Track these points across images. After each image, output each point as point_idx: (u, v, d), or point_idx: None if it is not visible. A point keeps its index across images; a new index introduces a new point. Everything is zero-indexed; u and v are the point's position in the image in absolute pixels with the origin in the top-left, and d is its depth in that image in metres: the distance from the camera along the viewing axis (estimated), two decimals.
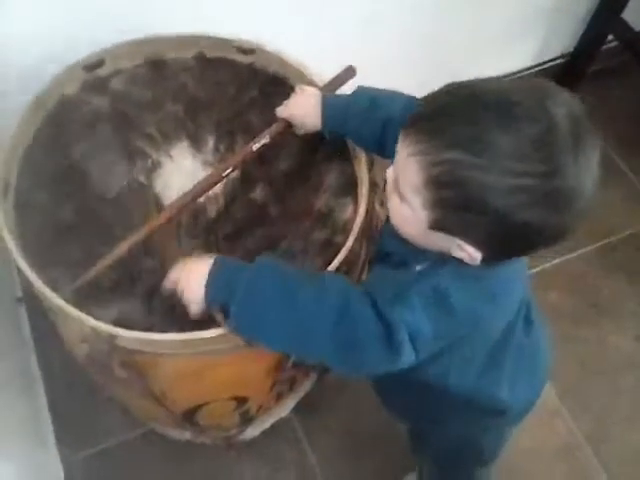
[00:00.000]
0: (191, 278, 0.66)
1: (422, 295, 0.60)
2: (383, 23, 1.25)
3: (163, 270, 0.71)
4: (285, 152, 0.86)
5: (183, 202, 0.77)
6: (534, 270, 1.36)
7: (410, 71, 1.35)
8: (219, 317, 0.66)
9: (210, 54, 0.93)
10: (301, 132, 0.84)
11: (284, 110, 0.83)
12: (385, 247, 0.70)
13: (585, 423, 1.22)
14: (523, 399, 0.81)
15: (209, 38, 0.92)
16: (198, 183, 0.79)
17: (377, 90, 0.79)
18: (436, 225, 0.57)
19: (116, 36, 0.89)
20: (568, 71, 1.63)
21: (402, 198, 0.59)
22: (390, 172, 0.62)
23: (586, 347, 1.30)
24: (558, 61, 1.62)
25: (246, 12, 1.05)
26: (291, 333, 0.64)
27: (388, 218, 0.66)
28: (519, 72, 1.59)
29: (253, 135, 0.84)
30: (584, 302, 1.36)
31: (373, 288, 0.63)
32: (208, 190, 0.80)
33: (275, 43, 0.92)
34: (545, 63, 1.61)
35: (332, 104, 0.80)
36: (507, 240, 0.56)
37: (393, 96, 0.77)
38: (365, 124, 0.77)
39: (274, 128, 0.83)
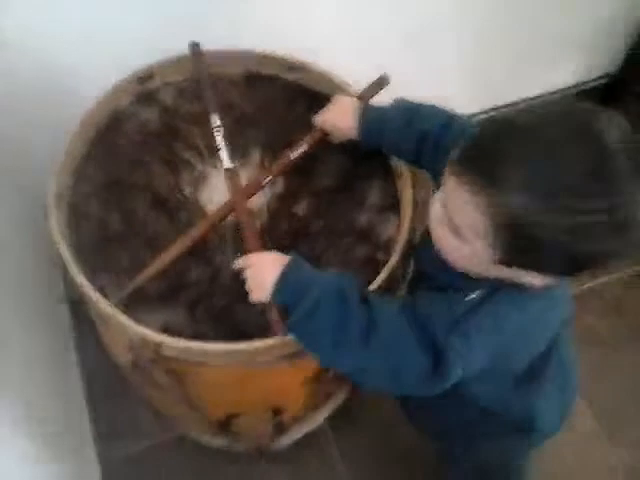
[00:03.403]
0: (264, 271, 0.67)
1: (479, 325, 0.61)
2: (426, 38, 1.26)
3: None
4: (328, 167, 0.87)
5: (225, 211, 0.80)
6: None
7: (453, 86, 1.36)
8: (274, 314, 0.67)
9: (258, 70, 0.95)
10: (336, 141, 0.86)
11: (320, 119, 0.85)
12: (427, 270, 0.70)
13: (624, 451, 1.20)
14: (554, 416, 0.81)
15: (257, 54, 0.93)
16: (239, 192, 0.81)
17: (415, 103, 0.80)
18: (501, 263, 0.57)
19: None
20: (613, 89, 1.61)
21: (458, 235, 0.58)
22: (437, 205, 0.61)
23: (625, 372, 1.27)
24: (602, 80, 1.60)
25: (290, 28, 1.07)
26: (335, 360, 0.66)
27: (427, 241, 0.66)
28: (565, 89, 1.58)
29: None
30: (623, 326, 1.33)
31: (425, 314, 0.63)
32: (248, 199, 0.81)
33: (318, 56, 0.93)
34: (591, 82, 1.59)
35: (369, 115, 0.81)
36: (572, 267, 0.56)
37: (431, 110, 0.78)
38: (401, 137, 0.78)
39: (311, 137, 0.85)
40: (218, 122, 0.86)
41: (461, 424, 0.84)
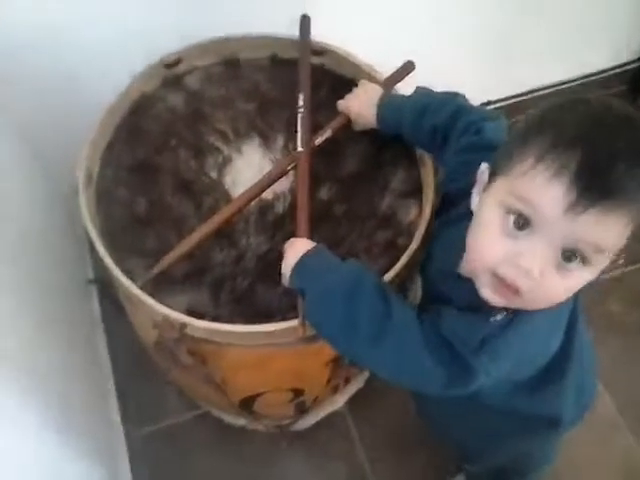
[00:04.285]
0: (289, 254, 0.69)
1: (507, 345, 0.59)
2: (452, 22, 1.25)
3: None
4: (352, 153, 0.88)
5: (250, 194, 0.80)
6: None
7: (481, 70, 1.34)
8: (299, 300, 0.68)
9: (283, 55, 0.95)
10: (359, 128, 0.86)
11: (344, 104, 0.85)
12: (442, 292, 0.67)
13: None
14: (575, 407, 0.79)
15: (282, 39, 0.94)
16: (264, 176, 0.82)
17: (432, 94, 0.79)
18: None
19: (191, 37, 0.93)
20: None
21: (585, 263, 0.51)
22: (538, 260, 0.51)
23: None
24: (634, 64, 1.57)
25: (316, 13, 1.06)
26: (346, 353, 0.68)
27: (445, 268, 0.63)
28: (592, 76, 1.55)
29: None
30: None
31: (449, 330, 0.61)
32: (274, 182, 0.82)
33: (343, 43, 0.93)
34: (621, 66, 1.56)
35: (388, 105, 0.81)
36: None
37: (444, 101, 0.76)
38: (416, 128, 0.78)
39: (335, 122, 0.85)
40: (302, 103, 0.85)
41: (482, 428, 0.83)
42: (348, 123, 0.86)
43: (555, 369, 0.70)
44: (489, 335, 0.58)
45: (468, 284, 0.59)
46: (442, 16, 1.23)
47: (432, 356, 0.61)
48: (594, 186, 0.47)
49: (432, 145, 0.78)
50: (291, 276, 0.68)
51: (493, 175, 0.56)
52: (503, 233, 0.53)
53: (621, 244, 0.50)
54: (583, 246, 0.50)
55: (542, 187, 0.49)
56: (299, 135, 0.83)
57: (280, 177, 0.83)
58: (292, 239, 0.73)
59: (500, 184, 0.54)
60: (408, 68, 0.90)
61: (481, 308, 0.58)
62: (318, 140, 0.84)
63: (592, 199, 0.47)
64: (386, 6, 1.16)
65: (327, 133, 0.84)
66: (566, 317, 0.66)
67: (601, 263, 0.52)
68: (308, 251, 0.67)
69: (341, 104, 0.86)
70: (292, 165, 0.83)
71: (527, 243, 0.51)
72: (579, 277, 0.53)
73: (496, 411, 0.74)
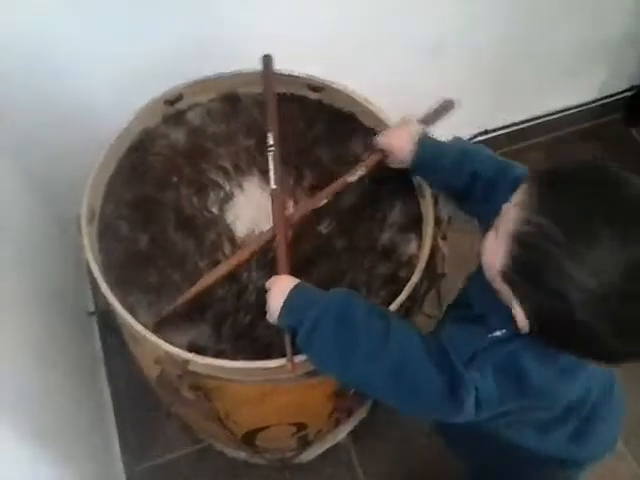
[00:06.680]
0: (274, 293, 0.70)
1: (496, 363, 0.61)
2: (448, 55, 1.27)
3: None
4: (352, 187, 0.88)
5: (262, 240, 0.80)
6: None
7: (473, 101, 1.36)
8: (287, 337, 0.69)
9: (281, 90, 0.97)
10: (393, 165, 0.83)
11: (383, 140, 0.82)
12: (469, 296, 0.70)
13: None
14: (600, 446, 0.80)
15: (281, 75, 0.95)
16: (290, 215, 0.82)
17: (472, 145, 0.80)
18: (503, 276, 0.59)
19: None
20: (636, 103, 1.61)
21: (498, 235, 0.59)
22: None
23: None
24: (626, 93, 1.60)
25: (311, 49, 1.08)
26: (348, 376, 0.67)
27: (478, 270, 0.65)
28: (586, 104, 1.57)
29: (319, 169, 0.89)
30: None
31: (450, 344, 0.64)
32: (300, 222, 0.82)
33: (340, 77, 0.95)
34: (613, 95, 1.59)
35: (428, 143, 0.79)
36: (552, 328, 0.56)
37: (486, 153, 0.77)
38: (454, 175, 0.76)
39: (371, 159, 0.83)
40: (272, 142, 0.85)
41: (506, 463, 0.84)
42: (383, 160, 0.83)
43: (572, 413, 0.72)
44: (480, 350, 0.62)
45: (493, 295, 0.62)
46: (438, 48, 1.25)
47: (432, 362, 0.62)
48: (538, 186, 0.56)
49: (468, 192, 0.77)
50: (281, 314, 0.68)
51: None
52: None
53: (506, 231, 0.57)
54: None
55: None
56: (271, 174, 0.82)
57: (305, 216, 0.82)
58: (275, 277, 0.73)
59: None
60: (448, 106, 0.87)
61: (487, 322, 0.62)
62: (352, 178, 0.82)
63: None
64: (378, 36, 1.18)
65: (361, 171, 0.82)
66: (578, 378, 0.66)
67: (501, 244, 0.58)
68: (294, 287, 0.69)
69: (381, 140, 0.82)
70: (321, 203, 0.82)
71: None
72: (494, 244, 0.60)
73: (521, 453, 0.75)
